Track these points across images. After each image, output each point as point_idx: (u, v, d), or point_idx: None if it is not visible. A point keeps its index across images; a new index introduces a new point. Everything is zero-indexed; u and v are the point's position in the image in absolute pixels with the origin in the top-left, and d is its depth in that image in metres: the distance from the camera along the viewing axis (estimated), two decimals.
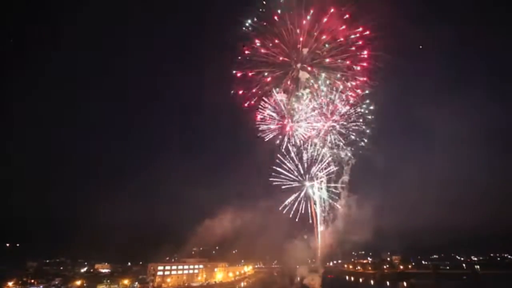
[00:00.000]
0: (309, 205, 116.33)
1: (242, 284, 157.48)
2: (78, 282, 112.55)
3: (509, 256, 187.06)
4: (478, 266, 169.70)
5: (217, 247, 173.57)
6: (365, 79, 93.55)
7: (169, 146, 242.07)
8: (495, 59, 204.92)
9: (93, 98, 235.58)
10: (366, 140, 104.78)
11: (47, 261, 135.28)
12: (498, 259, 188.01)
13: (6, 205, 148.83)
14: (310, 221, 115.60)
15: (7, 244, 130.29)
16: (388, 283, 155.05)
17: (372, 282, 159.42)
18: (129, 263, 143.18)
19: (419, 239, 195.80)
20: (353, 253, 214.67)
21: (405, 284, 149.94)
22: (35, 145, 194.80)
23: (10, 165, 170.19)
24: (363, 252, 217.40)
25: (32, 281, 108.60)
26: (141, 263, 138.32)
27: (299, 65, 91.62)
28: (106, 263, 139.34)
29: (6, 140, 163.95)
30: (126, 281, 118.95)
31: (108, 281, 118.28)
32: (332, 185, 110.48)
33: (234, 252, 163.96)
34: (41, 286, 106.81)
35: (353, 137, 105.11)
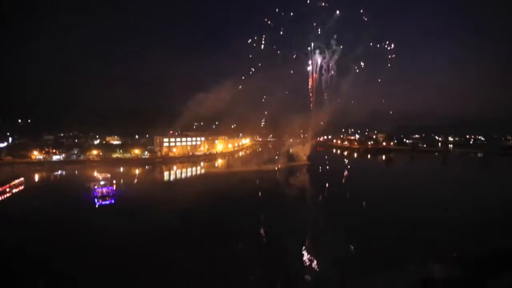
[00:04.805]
0: (309, 78, 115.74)
1: (240, 154, 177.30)
2: (95, 152, 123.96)
3: (481, 138, 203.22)
4: (451, 146, 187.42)
5: (216, 122, 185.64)
6: None
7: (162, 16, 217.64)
8: None
9: None
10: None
11: (62, 134, 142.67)
12: (472, 141, 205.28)
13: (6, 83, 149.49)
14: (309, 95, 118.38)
15: (19, 120, 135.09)
16: (369, 156, 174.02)
17: (355, 155, 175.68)
18: (137, 136, 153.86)
19: (406, 120, 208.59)
20: (342, 130, 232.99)
21: (383, 157, 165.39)
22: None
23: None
24: (353, 130, 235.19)
25: (54, 150, 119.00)
26: (147, 136, 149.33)
27: None
28: (116, 136, 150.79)
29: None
30: (137, 151, 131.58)
31: (121, 150, 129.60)
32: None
33: (232, 126, 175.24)
34: (63, 155, 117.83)
35: None
